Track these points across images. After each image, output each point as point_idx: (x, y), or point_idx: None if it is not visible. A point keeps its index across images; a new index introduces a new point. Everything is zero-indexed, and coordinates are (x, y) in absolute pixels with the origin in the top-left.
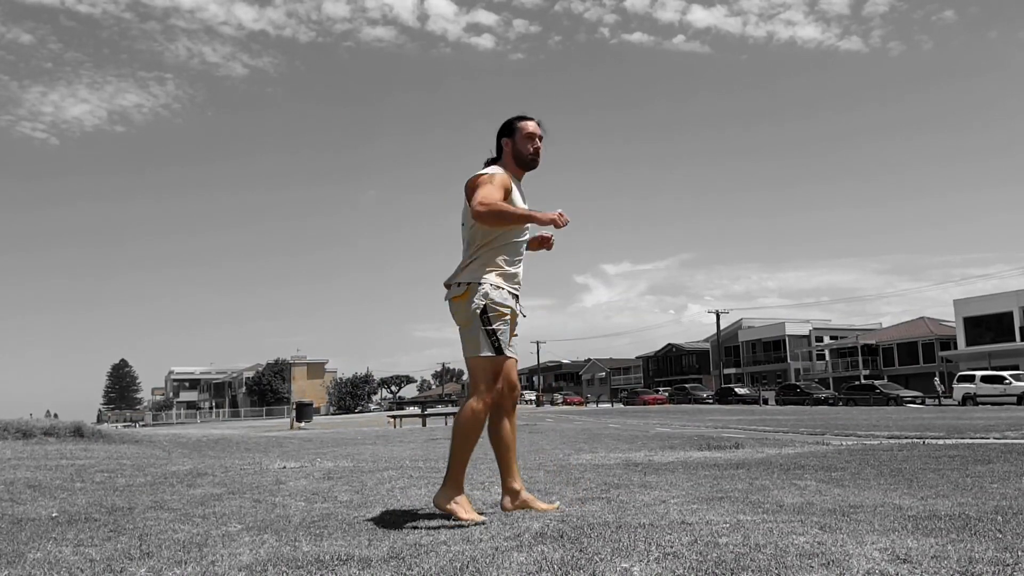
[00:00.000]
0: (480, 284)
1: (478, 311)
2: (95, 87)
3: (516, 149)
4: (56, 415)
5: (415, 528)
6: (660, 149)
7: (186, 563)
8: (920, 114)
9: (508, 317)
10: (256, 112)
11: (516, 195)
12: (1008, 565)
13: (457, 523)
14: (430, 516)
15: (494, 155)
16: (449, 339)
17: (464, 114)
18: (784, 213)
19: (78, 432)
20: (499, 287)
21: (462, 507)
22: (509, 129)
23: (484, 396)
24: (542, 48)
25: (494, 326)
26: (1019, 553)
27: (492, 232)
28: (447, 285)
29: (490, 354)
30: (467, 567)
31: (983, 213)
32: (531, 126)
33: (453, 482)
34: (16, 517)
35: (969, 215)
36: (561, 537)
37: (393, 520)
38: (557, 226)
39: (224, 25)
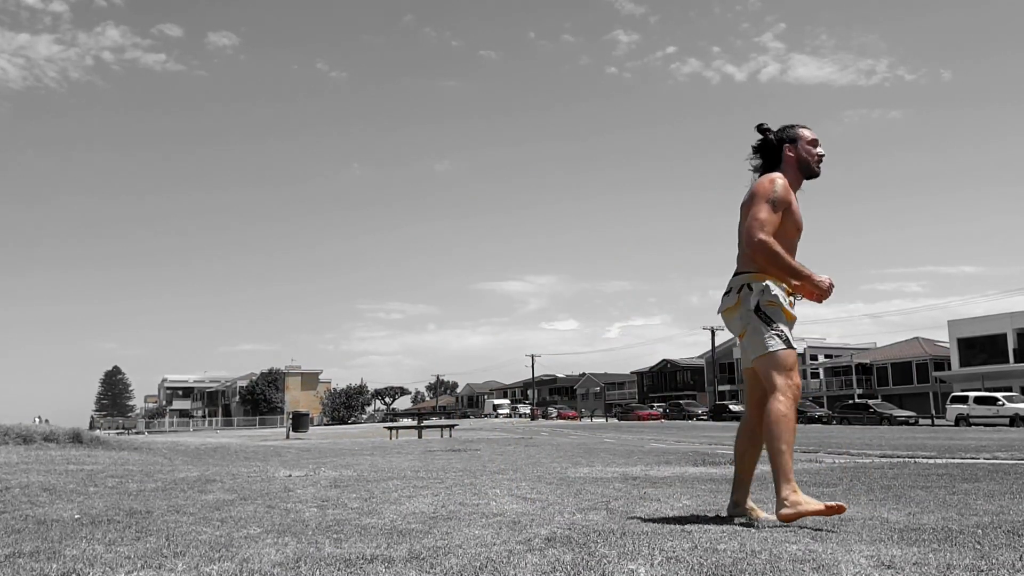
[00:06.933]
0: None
1: (752, 311)
2: None
3: (801, 156)
4: (47, 420)
5: (428, 533)
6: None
7: (220, 560)
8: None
9: (784, 313)
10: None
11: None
12: (983, 571)
13: (476, 527)
14: (441, 523)
15: (756, 159)
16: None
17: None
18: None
19: (77, 438)
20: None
21: (808, 503)
22: (792, 136)
23: (785, 392)
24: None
25: (775, 320)
26: (994, 560)
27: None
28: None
29: (777, 348)
30: (485, 567)
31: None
32: (812, 133)
33: (788, 487)
34: (39, 518)
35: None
36: (569, 541)
37: (406, 526)
38: (822, 293)
39: None
